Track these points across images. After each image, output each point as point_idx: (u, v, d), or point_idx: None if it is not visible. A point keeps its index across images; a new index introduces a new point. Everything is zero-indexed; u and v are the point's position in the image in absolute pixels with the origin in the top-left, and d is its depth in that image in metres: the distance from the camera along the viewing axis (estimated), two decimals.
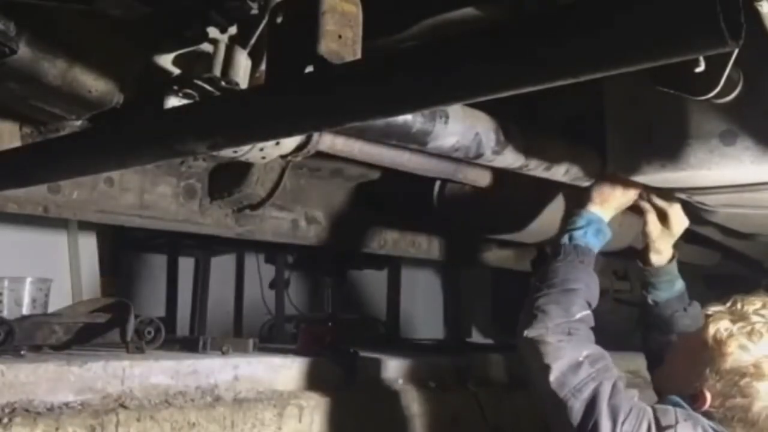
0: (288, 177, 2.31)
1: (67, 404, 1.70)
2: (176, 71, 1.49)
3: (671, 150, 1.70)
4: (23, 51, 1.47)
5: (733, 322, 1.60)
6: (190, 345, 2.24)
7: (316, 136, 1.82)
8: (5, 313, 2.19)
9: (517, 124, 1.81)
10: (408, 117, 1.55)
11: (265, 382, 2.07)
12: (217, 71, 1.41)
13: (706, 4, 0.72)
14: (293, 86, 1.17)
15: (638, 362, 2.15)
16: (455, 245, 3.17)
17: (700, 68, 1.18)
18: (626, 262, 3.31)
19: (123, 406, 1.75)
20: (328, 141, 1.86)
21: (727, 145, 1.64)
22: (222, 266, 4.03)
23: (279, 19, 1.30)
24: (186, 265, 3.95)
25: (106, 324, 2.07)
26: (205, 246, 3.78)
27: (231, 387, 1.99)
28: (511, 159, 1.84)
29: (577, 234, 1.82)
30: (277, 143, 1.78)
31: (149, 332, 2.12)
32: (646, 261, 2.01)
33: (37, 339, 1.96)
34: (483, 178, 2.31)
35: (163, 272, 3.88)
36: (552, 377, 1.58)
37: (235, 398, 1.97)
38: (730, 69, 1.29)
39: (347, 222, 2.72)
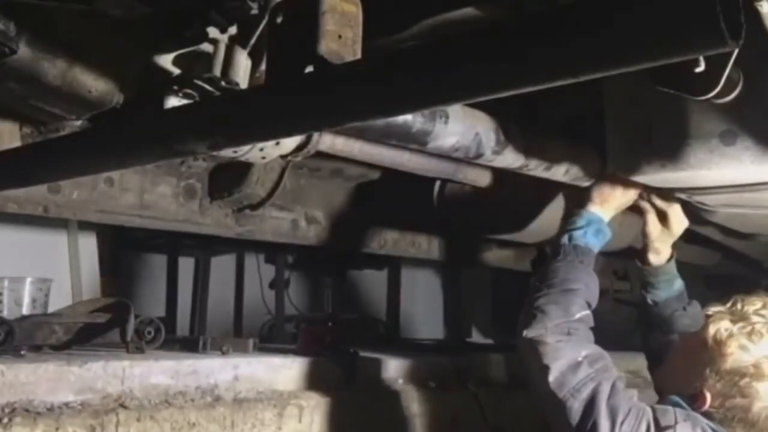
0: (288, 177, 2.31)
1: (67, 404, 1.70)
2: (176, 71, 1.49)
3: (671, 150, 1.70)
4: (23, 51, 1.47)
5: (734, 322, 1.60)
6: (190, 345, 2.24)
7: (316, 136, 1.82)
8: (5, 313, 2.19)
9: (517, 124, 1.81)
10: (408, 117, 1.55)
11: (265, 382, 2.07)
12: (217, 71, 1.41)
13: (706, 4, 0.72)
14: (293, 86, 1.17)
15: (638, 362, 2.15)
16: (455, 245, 3.17)
17: (700, 68, 1.18)
18: (626, 262, 3.31)
19: (123, 406, 1.75)
20: (328, 141, 1.86)
21: (727, 145, 1.64)
22: (222, 266, 4.03)
23: (279, 19, 1.30)
24: (186, 265, 3.95)
25: (106, 324, 2.07)
26: (205, 246, 3.78)
27: (231, 387, 1.99)
28: (511, 159, 1.84)
29: (577, 234, 1.82)
30: (277, 143, 1.78)
31: (149, 332, 2.12)
32: (644, 261, 2.01)
33: (37, 339, 1.96)
34: (483, 178, 2.31)
35: (163, 272, 3.88)
36: (551, 377, 1.58)
37: (235, 398, 1.97)
38: (730, 69, 1.29)
39: (347, 222, 2.72)
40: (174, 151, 1.34)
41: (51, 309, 2.31)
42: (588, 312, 1.71)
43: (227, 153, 1.75)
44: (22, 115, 1.87)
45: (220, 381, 1.98)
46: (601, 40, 0.80)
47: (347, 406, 2.15)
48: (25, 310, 2.28)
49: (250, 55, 1.44)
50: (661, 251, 1.99)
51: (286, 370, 2.14)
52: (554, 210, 2.35)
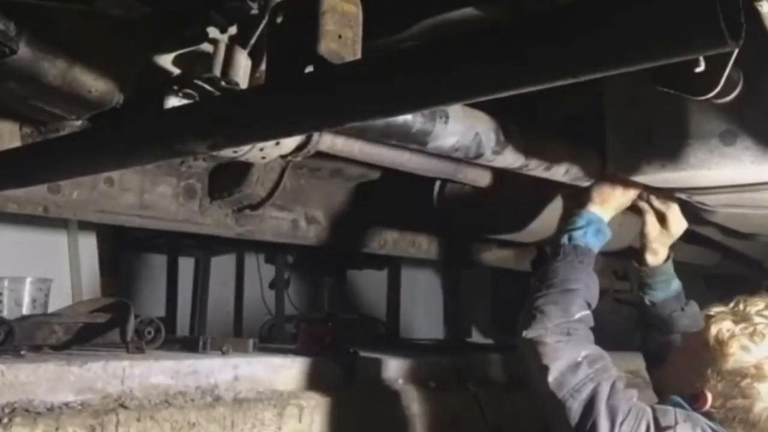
0: (288, 177, 2.31)
1: (67, 404, 1.70)
2: (176, 71, 1.49)
3: (671, 150, 1.70)
4: (23, 51, 1.47)
5: (736, 322, 1.60)
6: (190, 345, 2.24)
7: (316, 136, 1.82)
8: (5, 313, 2.19)
9: (517, 124, 1.81)
10: (408, 117, 1.55)
11: (265, 382, 2.07)
12: (217, 71, 1.41)
13: (706, 4, 0.72)
14: (293, 86, 1.17)
15: (638, 362, 2.15)
16: (455, 245, 3.17)
17: (700, 68, 1.18)
18: (626, 262, 3.30)
19: (123, 406, 1.75)
20: (328, 141, 1.86)
21: (727, 145, 1.64)
22: (222, 266, 4.03)
23: (279, 19, 1.30)
24: (186, 265, 3.95)
25: (106, 324, 2.07)
26: (205, 246, 3.78)
27: (231, 387, 1.99)
28: (511, 159, 1.84)
29: (577, 234, 1.82)
30: (277, 143, 1.78)
31: (149, 332, 2.12)
32: (641, 261, 2.01)
33: (37, 339, 1.96)
34: (483, 178, 2.31)
35: (163, 272, 3.88)
36: (551, 378, 1.58)
37: (235, 398, 1.97)
38: (730, 69, 1.29)
39: (347, 222, 2.72)
40: (174, 151, 1.34)
41: (51, 309, 2.31)
42: (588, 312, 1.71)
43: (227, 153, 1.75)
44: (22, 115, 1.87)
45: (220, 381, 1.98)
46: (601, 40, 0.80)
47: (347, 406, 2.15)
48: (25, 310, 2.28)
49: (250, 55, 1.44)
50: (658, 252, 1.99)
51: (286, 370, 2.14)
52: (554, 210, 2.35)
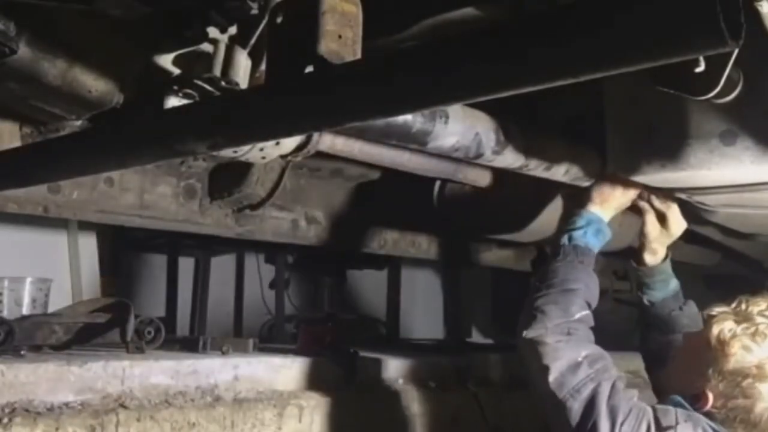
0: (288, 177, 2.31)
1: (67, 404, 1.70)
2: (176, 71, 1.49)
3: (671, 150, 1.70)
4: (23, 51, 1.47)
5: (737, 323, 1.60)
6: (190, 345, 2.24)
7: (316, 136, 1.82)
8: (5, 313, 2.19)
9: (517, 124, 1.81)
10: (408, 117, 1.55)
11: (265, 382, 2.07)
12: (217, 71, 1.41)
13: (706, 4, 0.72)
14: (293, 86, 1.17)
15: (638, 362, 2.15)
16: (455, 245, 3.17)
17: (700, 68, 1.18)
18: (626, 262, 3.30)
19: (123, 406, 1.75)
20: (328, 141, 1.86)
21: (727, 145, 1.64)
22: (222, 266, 4.03)
23: (279, 19, 1.30)
24: (186, 265, 3.95)
25: (106, 324, 2.07)
26: (205, 246, 3.78)
27: (231, 387, 1.99)
28: (511, 159, 1.84)
29: (577, 234, 1.82)
30: (277, 143, 1.78)
31: (149, 332, 2.12)
32: (640, 261, 2.01)
33: (37, 339, 1.96)
34: (483, 178, 2.31)
35: (163, 272, 3.88)
36: (551, 378, 1.58)
37: (235, 398, 1.97)
38: (730, 69, 1.29)
39: (347, 222, 2.72)
40: (174, 151, 1.34)
41: (51, 309, 2.31)
42: (588, 312, 1.71)
43: (227, 153, 1.75)
44: (22, 115, 1.87)
45: (220, 381, 1.98)
46: (601, 40, 0.80)
47: (347, 406, 2.15)
48: (25, 310, 2.28)
49: (250, 55, 1.44)
50: (657, 252, 1.99)
51: (286, 370, 2.14)
52: (554, 210, 2.35)
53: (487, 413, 2.46)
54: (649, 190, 1.92)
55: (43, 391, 1.69)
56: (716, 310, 1.66)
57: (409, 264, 4.04)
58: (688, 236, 2.24)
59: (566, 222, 1.90)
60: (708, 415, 1.56)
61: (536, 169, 1.92)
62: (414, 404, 2.31)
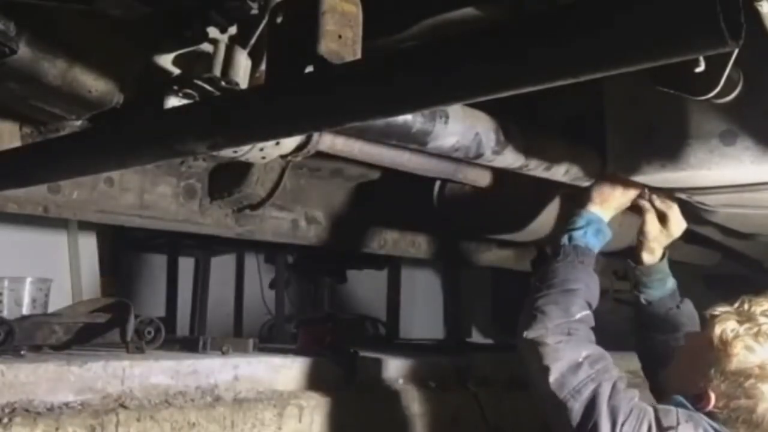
0: (288, 177, 2.31)
1: (67, 404, 1.70)
2: (176, 71, 1.49)
3: (671, 150, 1.70)
4: (23, 51, 1.47)
5: (740, 323, 1.59)
6: (190, 345, 2.23)
7: (316, 136, 1.82)
8: (5, 313, 2.19)
9: (517, 124, 1.81)
10: (408, 117, 1.55)
11: (265, 382, 2.07)
12: (217, 71, 1.41)
13: (706, 4, 0.72)
14: (293, 86, 1.17)
15: (638, 362, 2.15)
16: (455, 245, 3.17)
17: (700, 68, 1.18)
18: (625, 261, 3.31)
19: (123, 406, 1.75)
20: (328, 141, 1.86)
21: (727, 145, 1.64)
22: (222, 266, 4.03)
23: (279, 19, 1.30)
24: (186, 265, 3.95)
25: (106, 324, 2.06)
26: (205, 246, 3.78)
27: (231, 387, 1.99)
28: (511, 159, 1.84)
29: (577, 234, 1.82)
30: (277, 143, 1.78)
31: (149, 332, 2.12)
32: (638, 260, 2.01)
33: (37, 339, 1.96)
34: (483, 178, 2.31)
35: (163, 272, 3.88)
36: (551, 378, 1.58)
37: (235, 398, 1.97)
38: (730, 69, 1.29)
39: (347, 222, 2.72)
40: (174, 151, 1.34)
41: (51, 309, 2.31)
42: (588, 312, 1.71)
43: (227, 153, 1.75)
44: (22, 115, 1.87)
45: (220, 381, 1.98)
46: (601, 40, 0.80)
47: (347, 406, 2.15)
48: (25, 310, 2.28)
49: (250, 55, 1.44)
50: (654, 251, 1.99)
51: (286, 370, 2.14)
52: (554, 210, 2.35)
53: (487, 413, 2.46)
54: (649, 189, 1.92)
55: (43, 391, 1.69)
56: (719, 309, 1.66)
57: (409, 264, 4.05)
58: (688, 236, 2.24)
59: (566, 222, 1.90)
60: (710, 415, 1.56)
61: (536, 169, 1.92)
62: (414, 404, 2.31)
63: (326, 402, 2.10)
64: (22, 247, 2.84)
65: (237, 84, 1.41)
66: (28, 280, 2.35)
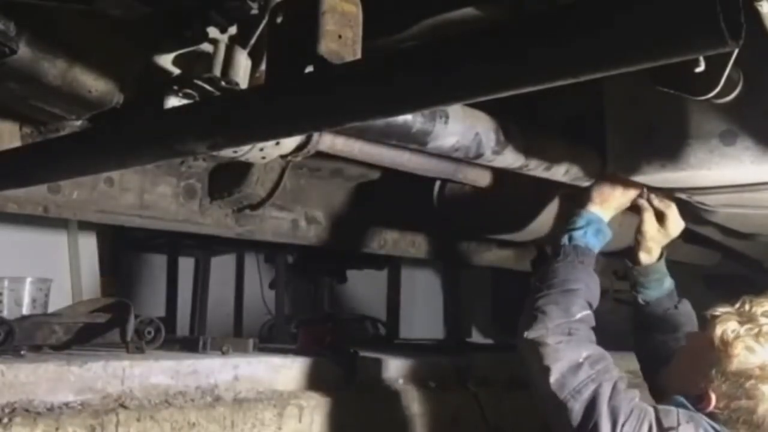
0: (288, 177, 2.31)
1: (67, 404, 1.70)
2: (176, 71, 1.49)
3: (671, 150, 1.70)
4: (23, 51, 1.47)
5: (741, 323, 1.59)
6: (190, 345, 2.23)
7: (316, 136, 1.82)
8: (5, 313, 2.19)
9: (517, 124, 1.81)
10: (408, 117, 1.55)
11: (265, 382, 2.07)
12: (217, 71, 1.41)
13: (706, 4, 0.71)
14: (293, 86, 1.17)
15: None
16: (455, 245, 3.17)
17: (700, 68, 1.18)
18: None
19: (123, 406, 1.75)
20: (328, 141, 1.86)
21: (727, 145, 1.64)
22: (222, 266, 4.03)
23: (279, 19, 1.30)
24: (186, 265, 3.95)
25: (106, 324, 2.06)
26: (205, 246, 3.78)
27: (231, 387, 1.99)
28: (511, 159, 1.84)
29: (577, 234, 1.82)
30: (277, 143, 1.78)
31: (149, 332, 2.12)
32: (635, 260, 2.01)
33: (37, 339, 1.96)
34: (483, 178, 2.31)
35: (163, 272, 3.88)
36: (552, 379, 1.58)
37: (235, 398, 1.97)
38: (730, 69, 1.29)
39: (347, 222, 2.72)
40: (174, 151, 1.34)
41: (51, 309, 2.31)
42: (589, 312, 1.71)
43: (227, 153, 1.75)
44: (22, 115, 1.87)
45: (220, 381, 1.98)
46: (601, 40, 0.80)
47: (347, 406, 2.15)
48: (25, 310, 2.28)
49: (250, 55, 1.44)
50: (652, 251, 1.98)
51: (286, 370, 2.14)
52: (554, 210, 2.35)
53: (487, 413, 2.46)
54: (649, 189, 1.92)
55: (43, 391, 1.69)
56: (719, 310, 1.65)
57: (409, 264, 4.04)
58: (688, 236, 2.24)
59: (566, 222, 1.89)
60: (711, 415, 1.56)
61: (536, 169, 1.92)
62: (414, 404, 2.31)
63: (326, 402, 2.10)
64: (22, 247, 2.84)
65: (237, 84, 1.41)
66: (28, 280, 2.35)
